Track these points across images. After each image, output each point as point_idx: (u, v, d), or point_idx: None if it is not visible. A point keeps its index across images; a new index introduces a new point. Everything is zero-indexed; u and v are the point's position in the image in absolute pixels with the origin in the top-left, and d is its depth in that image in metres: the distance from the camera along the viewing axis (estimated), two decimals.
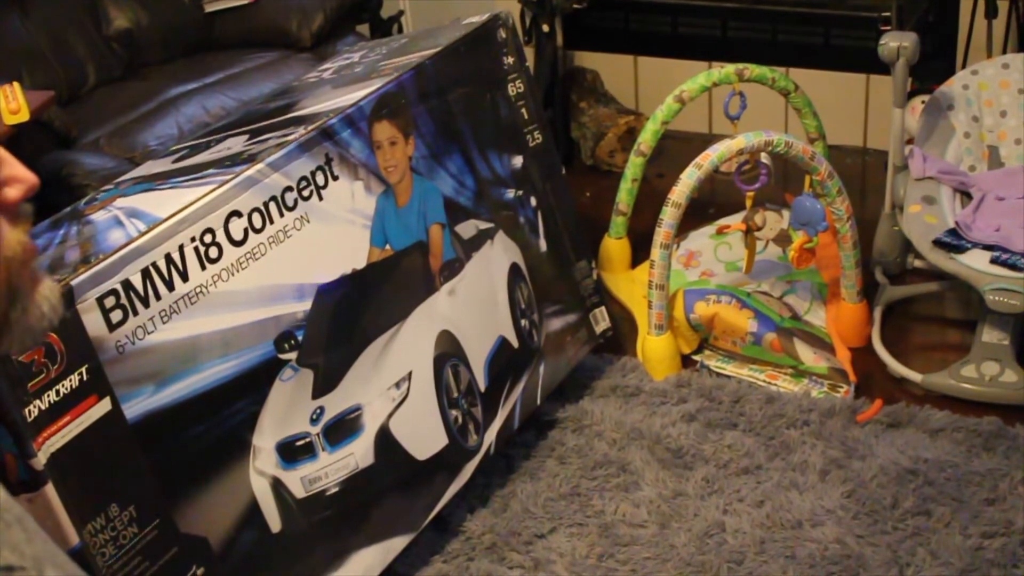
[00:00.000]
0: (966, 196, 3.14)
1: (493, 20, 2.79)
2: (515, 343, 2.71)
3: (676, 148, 3.73)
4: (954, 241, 2.92)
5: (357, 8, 4.17)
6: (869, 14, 4.01)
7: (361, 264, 2.37)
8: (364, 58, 2.87)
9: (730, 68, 3.31)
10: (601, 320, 3.02)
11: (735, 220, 3.35)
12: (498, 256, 2.70)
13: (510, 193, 2.77)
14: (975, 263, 2.85)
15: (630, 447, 2.77)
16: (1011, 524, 2.48)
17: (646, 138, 3.38)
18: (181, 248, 2.06)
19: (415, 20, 4.65)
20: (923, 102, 3.38)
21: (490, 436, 2.62)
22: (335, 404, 2.30)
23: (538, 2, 4.19)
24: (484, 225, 2.68)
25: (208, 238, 2.10)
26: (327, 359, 2.30)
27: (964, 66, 3.68)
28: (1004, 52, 3.74)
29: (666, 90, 3.38)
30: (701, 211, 3.56)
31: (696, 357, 3.12)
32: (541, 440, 2.83)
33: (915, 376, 2.95)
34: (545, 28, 4.16)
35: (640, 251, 3.34)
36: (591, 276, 2.99)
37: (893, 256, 3.37)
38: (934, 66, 3.83)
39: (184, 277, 2.06)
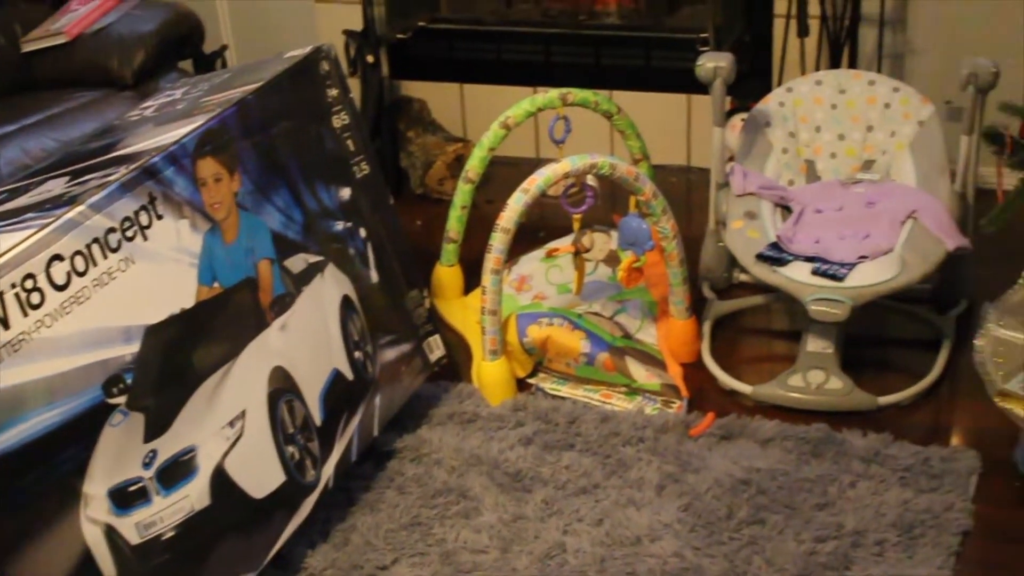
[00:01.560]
0: (786, 210, 3.23)
1: (315, 53, 2.79)
2: (349, 375, 2.70)
3: (504, 174, 3.75)
4: (776, 254, 3.00)
5: (179, 44, 4.12)
6: (687, 36, 4.10)
7: (189, 303, 2.34)
8: (187, 95, 2.83)
9: (554, 93, 3.36)
10: (435, 348, 3.03)
11: (564, 243, 3.39)
12: (329, 289, 2.69)
13: (339, 225, 2.77)
14: (797, 275, 2.93)
15: (469, 473, 2.78)
16: (842, 527, 2.55)
17: (473, 165, 3.41)
18: (1, 295, 2.02)
19: (239, 54, 4.63)
20: (743, 120, 3.46)
21: (328, 470, 2.60)
22: (168, 446, 2.27)
23: (362, 33, 4.20)
24: (314, 258, 2.67)
25: (29, 284, 2.06)
26: (158, 401, 2.27)
27: (780, 84, 3.78)
28: (817, 69, 3.86)
29: (492, 116, 3.41)
30: (531, 235, 3.60)
31: (531, 380, 3.15)
32: (380, 471, 2.82)
33: (745, 388, 3.02)
34: (370, 59, 4.17)
35: (473, 277, 3.36)
36: (424, 305, 3.00)
37: (719, 272, 3.45)
38: (752, 84, 3.94)
39: (5, 325, 2.02)
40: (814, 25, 3.84)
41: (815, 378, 2.98)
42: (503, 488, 2.73)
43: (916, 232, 3.04)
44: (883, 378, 3.06)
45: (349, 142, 2.83)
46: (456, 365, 3.19)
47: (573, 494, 2.71)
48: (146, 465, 2.23)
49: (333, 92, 2.80)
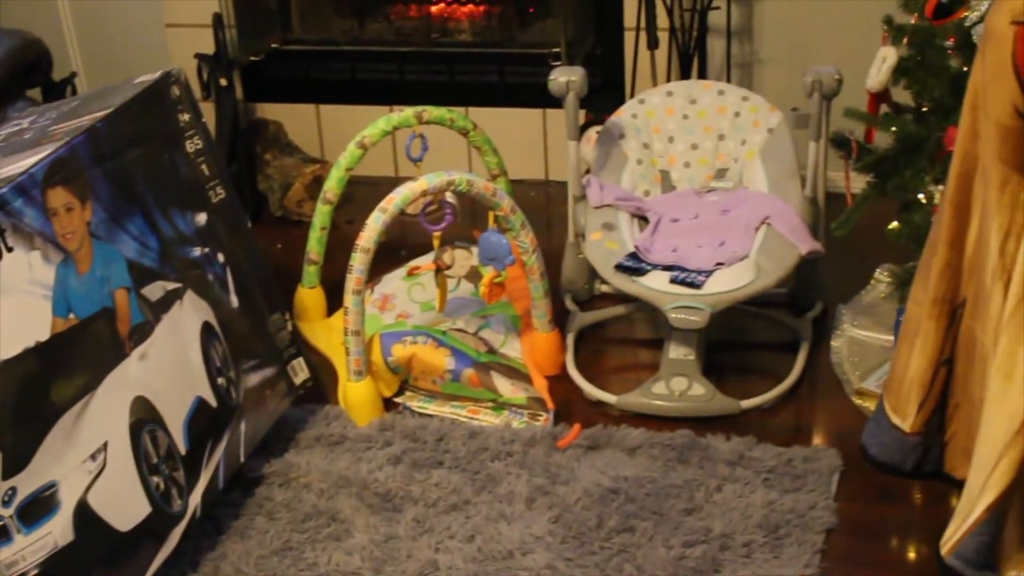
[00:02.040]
0: (644, 220, 3.27)
1: (165, 77, 2.75)
2: (213, 402, 2.68)
3: (364, 193, 3.74)
4: (635, 264, 3.04)
5: (26, 72, 4.03)
6: (540, 51, 4.14)
7: (44, 336, 2.29)
8: (34, 123, 2.78)
9: (409, 111, 3.36)
10: (300, 371, 3.01)
11: (426, 260, 3.39)
12: (189, 316, 2.66)
13: (196, 251, 2.74)
14: (656, 284, 2.97)
15: (339, 495, 2.77)
16: (709, 531, 2.58)
17: (332, 186, 3.39)
18: None
19: (89, 81, 4.56)
20: (597, 132, 3.50)
21: (195, 499, 2.57)
22: (28, 483, 2.22)
23: (214, 56, 4.16)
24: (172, 286, 2.63)
25: None
26: (16, 437, 2.22)
27: (632, 95, 3.83)
28: (668, 80, 3.91)
29: (349, 137, 3.40)
30: (392, 254, 3.59)
31: (398, 399, 3.14)
32: (248, 498, 2.80)
33: (610, 398, 3.05)
34: (223, 82, 4.13)
35: (335, 299, 3.35)
36: (286, 328, 2.98)
37: (580, 283, 3.48)
38: (606, 97, 3.98)
39: None
40: (663, 37, 3.90)
41: (678, 385, 3.02)
42: (373, 509, 2.72)
43: (770, 238, 3.10)
44: (745, 382, 3.12)
45: (203, 167, 2.80)
46: (322, 387, 3.17)
47: (444, 511, 2.71)
48: (5, 503, 2.18)
49: (185, 117, 2.77)
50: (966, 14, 2.83)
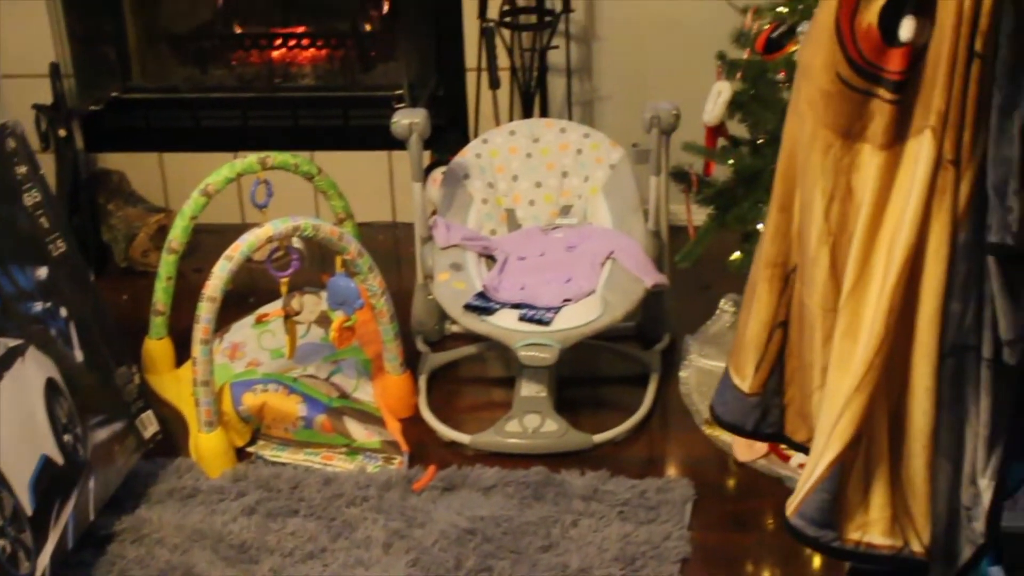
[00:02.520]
0: (491, 259, 3.29)
1: (0, 130, 2.71)
2: (60, 460, 2.62)
3: (211, 242, 3.70)
4: (483, 304, 3.06)
5: None
6: (384, 93, 4.16)
7: None
8: None
9: (253, 157, 3.34)
10: (149, 424, 2.96)
11: (274, 307, 3.37)
12: (31, 373, 2.61)
13: (38, 306, 2.69)
14: (505, 323, 2.99)
15: (193, 549, 2.72)
16: (567, 567, 2.60)
17: (176, 235, 3.35)
18: None
19: None
20: (443, 173, 3.52)
21: (44, 561, 2.51)
22: None
23: (52, 107, 4.09)
24: (13, 342, 2.58)
25: None
26: None
27: (476, 135, 3.86)
28: (511, 119, 3.95)
29: (194, 185, 3.36)
30: (241, 302, 3.56)
31: (250, 449, 3.11)
32: (100, 556, 2.74)
33: (464, 438, 3.06)
34: (62, 132, 4.06)
35: (184, 349, 3.30)
36: (134, 381, 2.93)
37: (431, 324, 3.49)
38: (450, 138, 4.01)
39: None
40: (505, 77, 3.94)
41: (531, 422, 3.04)
42: (229, 561, 2.69)
43: (616, 272, 3.14)
44: (597, 416, 3.15)
45: (43, 220, 2.75)
46: (173, 439, 3.12)
47: (300, 560, 2.68)
48: None
49: (22, 169, 2.72)
50: (795, 48, 2.92)
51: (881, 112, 1.90)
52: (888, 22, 1.85)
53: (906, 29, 1.84)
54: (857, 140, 1.95)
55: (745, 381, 2.25)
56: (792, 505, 2.08)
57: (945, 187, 1.85)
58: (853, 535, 2.07)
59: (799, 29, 2.92)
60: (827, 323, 2.05)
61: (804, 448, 2.23)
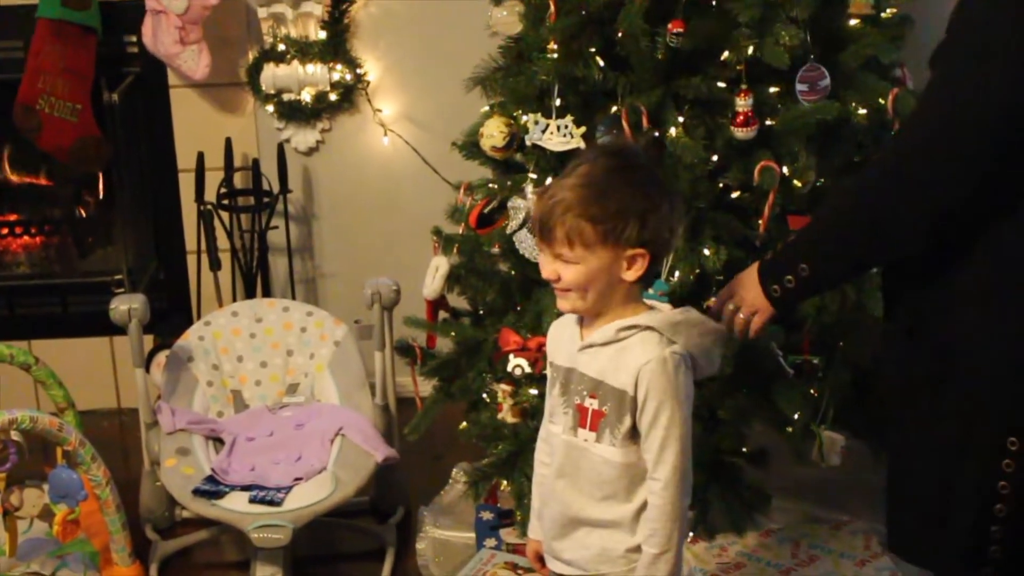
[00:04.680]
0: (219, 442, 3.26)
1: None
2: None
3: None
4: (213, 488, 3.02)
5: None
6: (102, 279, 4.11)
7: None
8: None
9: None
10: None
11: None
12: None
13: None
14: (235, 505, 2.96)
15: None
16: None
17: None
18: None
19: None
20: (167, 357, 3.48)
21: None
22: None
23: None
24: None
25: None
26: None
27: (199, 318, 3.84)
28: (234, 300, 3.95)
29: None
30: None
31: None
32: None
33: None
34: None
35: None
36: None
37: (160, 511, 3.42)
38: (174, 321, 3.97)
39: None
40: (225, 258, 3.94)
41: None
42: None
43: (345, 448, 3.15)
44: None
45: None
46: None
47: None
48: None
49: None
50: (506, 222, 3.03)
51: None
52: None
53: None
54: None
55: None
56: None
57: None
58: None
59: (509, 204, 3.04)
60: None
61: None
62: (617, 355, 2.04)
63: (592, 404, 2.07)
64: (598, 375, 2.06)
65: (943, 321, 1.97)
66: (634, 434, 2.05)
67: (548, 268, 2.04)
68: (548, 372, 2.19)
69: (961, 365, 1.95)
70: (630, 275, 2.02)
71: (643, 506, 2.08)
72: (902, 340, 2.07)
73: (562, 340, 2.15)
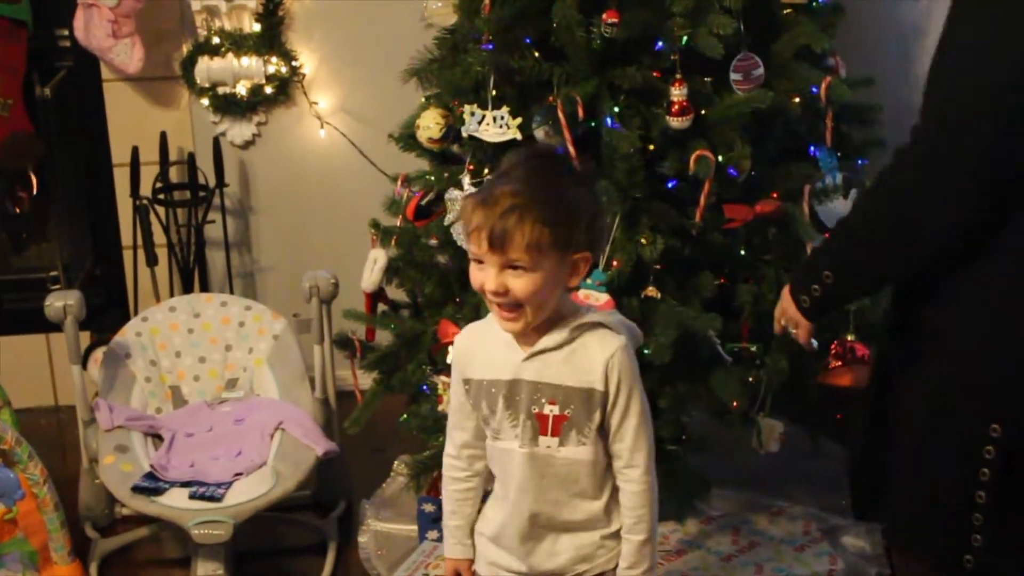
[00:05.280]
0: (158, 438, 3.24)
1: None
2: None
3: None
4: (152, 484, 3.00)
5: None
6: (37, 275, 4.07)
7: None
8: None
9: None
10: None
11: None
12: None
13: None
14: (175, 502, 2.94)
15: None
16: None
17: None
18: None
19: None
20: (104, 353, 3.46)
21: None
22: None
23: None
24: None
25: None
26: None
27: (136, 313, 3.82)
28: (172, 295, 3.93)
29: None
30: None
31: None
32: None
33: None
34: None
35: None
36: None
37: (100, 509, 3.39)
38: (111, 317, 3.95)
39: None
40: (162, 254, 3.92)
41: None
42: None
43: (285, 443, 3.14)
44: None
45: None
46: None
47: None
48: None
49: None
50: (444, 214, 3.03)
51: None
52: None
53: None
54: None
55: None
56: None
57: None
58: None
59: (447, 196, 3.04)
60: None
61: None
62: (571, 356, 1.99)
63: (552, 410, 2.00)
64: (555, 380, 2.00)
65: (930, 305, 1.96)
66: (602, 429, 2.02)
67: (494, 280, 1.91)
68: (464, 389, 2.09)
69: (946, 350, 1.95)
70: (575, 280, 1.97)
71: (611, 499, 2.06)
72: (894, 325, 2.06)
73: (488, 353, 2.06)
